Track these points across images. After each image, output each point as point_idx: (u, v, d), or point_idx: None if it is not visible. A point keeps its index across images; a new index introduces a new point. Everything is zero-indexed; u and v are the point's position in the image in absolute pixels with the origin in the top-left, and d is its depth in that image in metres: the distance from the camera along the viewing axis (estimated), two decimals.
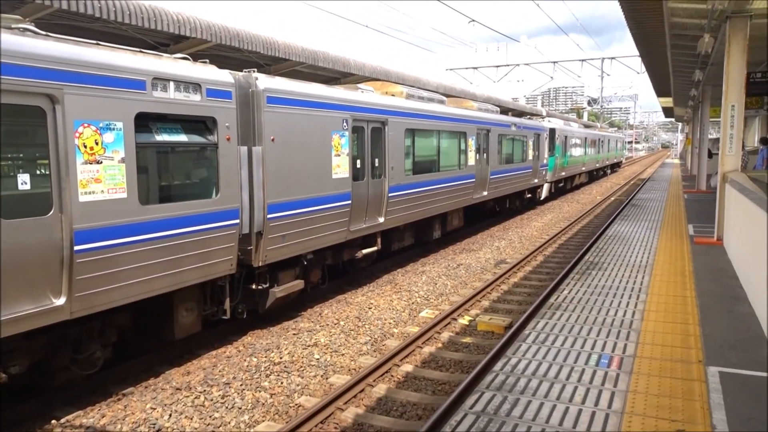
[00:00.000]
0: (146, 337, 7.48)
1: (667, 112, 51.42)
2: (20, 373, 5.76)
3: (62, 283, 5.58)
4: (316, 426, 5.94)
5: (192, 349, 7.86)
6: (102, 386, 6.71)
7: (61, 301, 5.57)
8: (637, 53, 21.63)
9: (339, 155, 9.72)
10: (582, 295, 7.75)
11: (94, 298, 5.88)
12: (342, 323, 8.88)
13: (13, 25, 5.45)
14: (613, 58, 38.84)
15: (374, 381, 6.94)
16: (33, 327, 5.36)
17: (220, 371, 7.09)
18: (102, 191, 5.87)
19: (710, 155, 22.41)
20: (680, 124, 69.68)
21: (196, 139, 7.12)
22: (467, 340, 8.43)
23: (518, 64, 40.39)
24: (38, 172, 5.47)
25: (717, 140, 16.92)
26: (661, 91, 31.65)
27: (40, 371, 6.12)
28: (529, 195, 22.47)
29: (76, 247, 5.61)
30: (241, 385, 6.74)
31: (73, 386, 6.51)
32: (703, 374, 5.06)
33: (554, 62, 39.74)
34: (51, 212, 5.47)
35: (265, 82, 8.06)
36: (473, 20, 26.92)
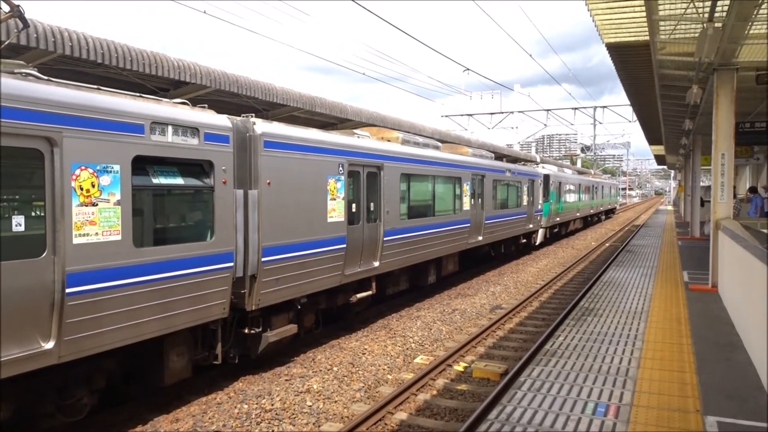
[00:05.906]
0: (135, 383, 7.33)
1: (659, 159, 52.26)
2: (2, 420, 5.61)
3: (52, 326, 5.50)
4: None
5: (181, 395, 7.69)
6: None
7: (49, 344, 5.48)
8: (629, 102, 22.17)
9: (335, 199, 9.78)
10: (578, 342, 7.68)
11: (84, 342, 5.78)
12: (335, 369, 8.74)
13: (15, 70, 5.55)
14: (605, 106, 39.55)
15: (367, 429, 6.78)
16: (20, 371, 5.24)
17: (209, 418, 6.92)
18: (96, 233, 5.86)
19: (702, 203, 22.65)
20: (673, 171, 70.61)
21: (193, 182, 7.16)
22: (462, 387, 8.29)
23: (512, 112, 41.10)
24: (33, 213, 5.47)
25: (709, 188, 17.14)
26: (652, 140, 32.26)
27: (23, 418, 5.96)
28: (524, 240, 22.52)
29: (67, 290, 5.56)
30: None
31: None
32: (701, 424, 4.98)
33: (548, 110, 40.50)
34: (44, 254, 5.45)
35: (262, 126, 8.18)
36: (468, 69, 27.61)
